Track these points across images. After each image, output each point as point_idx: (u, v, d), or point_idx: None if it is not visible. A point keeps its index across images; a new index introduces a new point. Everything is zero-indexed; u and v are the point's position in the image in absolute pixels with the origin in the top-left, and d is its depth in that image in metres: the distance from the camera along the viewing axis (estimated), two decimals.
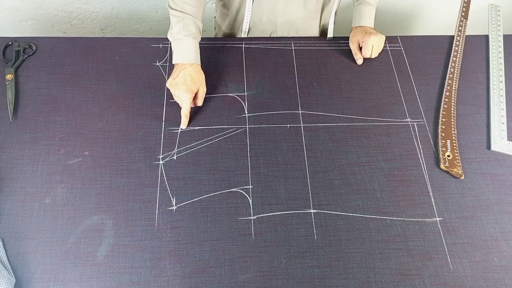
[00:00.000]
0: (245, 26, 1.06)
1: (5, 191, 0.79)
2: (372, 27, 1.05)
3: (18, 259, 0.73)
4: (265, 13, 1.03)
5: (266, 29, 1.08)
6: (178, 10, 0.87)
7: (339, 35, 1.08)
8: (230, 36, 1.14)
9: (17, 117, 0.88)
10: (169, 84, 0.88)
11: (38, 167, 0.82)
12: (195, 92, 0.87)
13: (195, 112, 0.92)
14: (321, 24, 1.11)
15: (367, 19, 1.04)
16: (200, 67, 0.90)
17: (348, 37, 1.07)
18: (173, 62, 0.89)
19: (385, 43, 1.05)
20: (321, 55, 1.04)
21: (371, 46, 1.00)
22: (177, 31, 0.87)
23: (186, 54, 0.87)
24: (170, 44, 1.01)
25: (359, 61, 1.02)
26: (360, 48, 1.02)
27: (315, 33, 1.11)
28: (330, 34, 1.07)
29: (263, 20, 1.05)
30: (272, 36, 1.10)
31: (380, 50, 1.02)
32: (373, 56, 1.02)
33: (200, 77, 0.89)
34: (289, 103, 0.95)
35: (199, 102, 0.91)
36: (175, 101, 0.91)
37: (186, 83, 0.85)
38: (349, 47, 1.05)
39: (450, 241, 0.78)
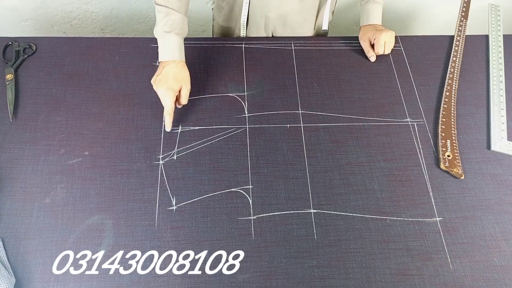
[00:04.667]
0: (243, 20, 1.06)
1: (5, 191, 0.79)
2: (381, 24, 1.05)
3: (18, 259, 0.73)
4: (259, 4, 1.03)
5: (260, 21, 1.07)
6: (163, 6, 0.84)
7: (339, 35, 1.08)
8: (226, 28, 1.14)
9: (17, 117, 0.88)
10: (152, 81, 0.85)
11: (38, 167, 0.82)
12: (177, 90, 0.84)
13: (195, 112, 0.92)
14: (317, 19, 1.10)
15: (376, 17, 1.04)
16: (183, 64, 0.86)
17: (348, 36, 1.07)
18: (159, 60, 0.86)
19: None
20: (321, 55, 1.04)
21: (384, 42, 1.00)
22: (161, 27, 0.85)
23: (168, 51, 0.85)
24: None
25: (372, 58, 1.03)
26: (372, 46, 1.03)
27: (311, 28, 1.11)
28: (325, 26, 1.07)
29: (257, 12, 1.05)
30: (267, 29, 1.10)
31: (392, 46, 1.03)
32: (386, 52, 1.02)
33: (184, 74, 0.86)
34: (289, 103, 0.95)
35: (183, 101, 0.87)
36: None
37: (168, 81, 0.83)
38: (350, 46, 1.05)
39: (450, 241, 0.78)
